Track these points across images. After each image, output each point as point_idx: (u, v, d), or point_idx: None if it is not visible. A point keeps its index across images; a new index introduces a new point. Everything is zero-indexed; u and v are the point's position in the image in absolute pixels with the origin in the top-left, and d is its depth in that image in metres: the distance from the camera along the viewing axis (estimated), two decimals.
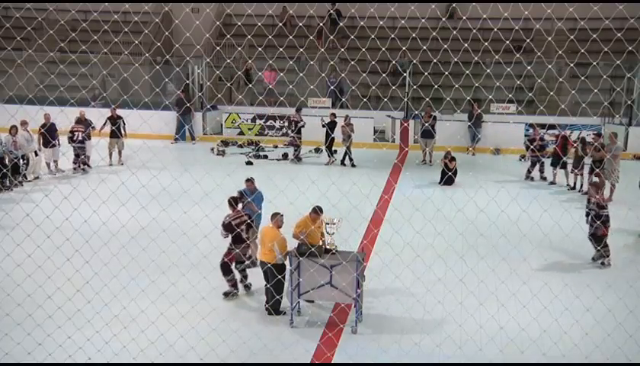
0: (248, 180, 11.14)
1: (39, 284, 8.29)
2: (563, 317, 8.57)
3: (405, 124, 22.95)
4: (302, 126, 20.31)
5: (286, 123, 23.12)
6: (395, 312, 9.32)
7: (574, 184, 16.87)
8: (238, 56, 22.93)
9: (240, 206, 10.68)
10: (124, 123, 19.03)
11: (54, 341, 7.84)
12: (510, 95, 19.84)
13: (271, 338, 8.48)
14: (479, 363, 8.11)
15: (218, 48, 23.53)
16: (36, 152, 17.19)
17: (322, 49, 21.00)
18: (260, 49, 15.55)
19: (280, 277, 9.11)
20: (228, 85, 22.43)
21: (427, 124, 19.47)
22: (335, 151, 19.95)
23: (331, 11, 25.12)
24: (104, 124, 19.03)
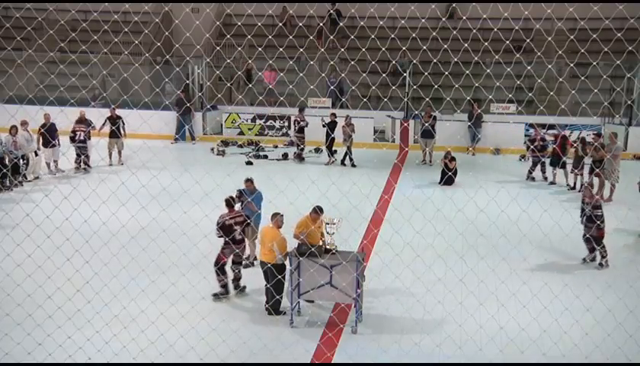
0: (247, 180, 11.14)
1: (39, 284, 8.29)
2: (563, 317, 8.57)
3: (405, 124, 22.95)
4: (305, 126, 20.31)
5: (288, 124, 23.18)
6: (395, 312, 9.32)
7: (574, 184, 16.87)
8: (238, 56, 22.92)
9: (239, 205, 10.70)
10: (123, 123, 19.04)
11: (54, 341, 7.84)
12: (510, 95, 19.84)
13: (271, 338, 8.48)
14: (479, 363, 8.12)
15: (218, 48, 23.52)
16: (36, 152, 17.20)
17: (322, 49, 21.00)
18: (260, 49, 15.54)
19: (280, 277, 9.11)
20: (228, 85, 22.43)
21: (427, 124, 19.47)
22: (335, 151, 19.95)
23: (331, 11, 25.12)
24: (104, 124, 19.03)
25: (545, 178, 17.84)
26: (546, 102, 15.31)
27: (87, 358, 7.79)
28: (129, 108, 17.87)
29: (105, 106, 19.55)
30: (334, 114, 19.85)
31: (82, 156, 18.03)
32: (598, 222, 10.98)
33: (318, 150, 21.38)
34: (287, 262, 9.18)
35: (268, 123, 24.24)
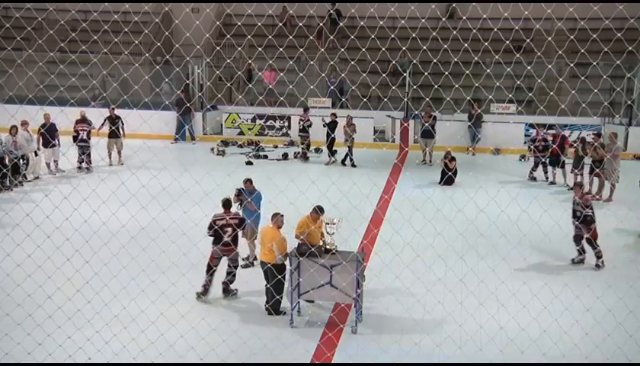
0: (246, 180, 11.13)
1: (39, 284, 8.29)
2: (563, 317, 8.57)
3: (405, 124, 22.95)
4: (309, 126, 20.33)
5: (288, 124, 23.23)
6: (395, 312, 9.32)
7: (574, 184, 16.85)
8: (238, 56, 22.92)
9: (238, 205, 10.70)
10: (123, 123, 19.04)
11: (54, 341, 7.84)
12: (510, 95, 19.85)
13: (271, 338, 8.48)
14: (479, 363, 8.11)
15: (218, 48, 23.51)
16: (36, 152, 17.20)
17: (322, 49, 21.00)
18: (260, 49, 15.55)
19: (280, 277, 9.11)
20: (228, 85, 22.43)
21: (427, 124, 19.47)
22: (335, 151, 19.95)
23: (331, 11, 25.12)
24: (103, 124, 19.03)
25: (547, 178, 17.84)
26: (546, 102, 15.31)
27: (87, 358, 7.79)
28: (129, 108, 17.88)
29: (105, 106, 19.55)
30: (334, 114, 19.86)
31: (85, 155, 18.06)
32: (593, 220, 10.92)
33: (318, 150, 21.39)
34: (287, 262, 9.18)
35: (268, 123, 24.23)
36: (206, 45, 22.26)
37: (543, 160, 17.75)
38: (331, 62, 21.43)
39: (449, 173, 17.04)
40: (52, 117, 16.59)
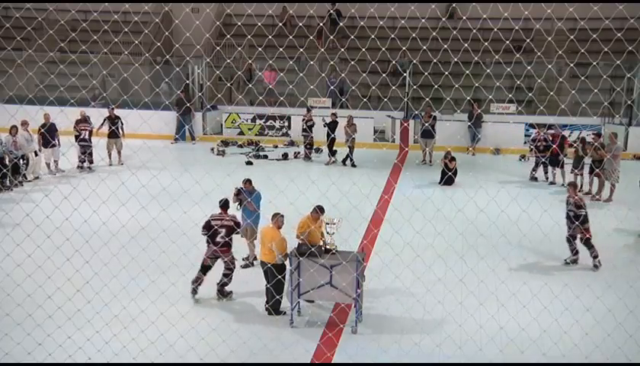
0: (245, 181, 11.13)
1: (39, 284, 8.28)
2: (563, 317, 8.57)
3: (405, 124, 22.95)
4: (311, 126, 20.35)
5: (288, 124, 23.19)
6: (395, 312, 9.32)
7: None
8: (238, 56, 22.92)
9: (237, 204, 10.70)
10: (122, 123, 19.04)
11: (54, 341, 7.84)
12: (510, 95, 19.84)
13: (271, 338, 8.48)
14: (479, 363, 8.11)
15: (218, 48, 23.51)
16: (36, 152, 17.21)
17: (322, 49, 20.99)
18: (260, 49, 15.54)
19: (280, 277, 9.11)
20: (228, 85, 22.43)
21: (427, 124, 19.48)
22: (336, 151, 19.96)
23: (331, 11, 25.11)
24: (102, 124, 19.04)
25: (547, 179, 17.84)
26: (546, 102, 15.30)
27: (87, 358, 7.79)
28: (129, 108, 17.88)
29: (105, 106, 19.57)
30: (334, 114, 19.87)
31: (87, 155, 18.08)
32: (583, 221, 10.89)
33: (318, 150, 21.39)
34: (287, 262, 9.18)
35: (268, 123, 24.24)
36: (206, 45, 22.26)
37: (544, 160, 17.76)
38: (331, 62, 21.44)
39: (449, 173, 17.03)
40: (52, 117, 16.60)
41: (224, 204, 9.80)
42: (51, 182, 16.22)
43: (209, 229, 9.54)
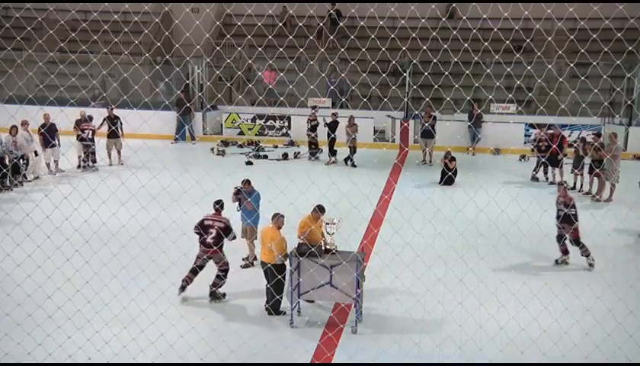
0: (244, 181, 11.13)
1: (39, 284, 8.29)
2: (563, 317, 8.57)
3: (405, 124, 22.94)
4: (316, 125, 20.34)
5: (288, 124, 23.29)
6: (395, 312, 9.32)
7: (574, 184, 16.86)
8: (238, 56, 22.91)
9: (237, 204, 10.69)
10: (121, 123, 19.04)
11: (54, 341, 7.84)
12: (510, 95, 19.81)
13: (271, 338, 8.49)
14: (479, 363, 8.12)
15: (218, 48, 23.51)
16: (36, 152, 17.21)
17: (322, 49, 20.95)
18: (260, 49, 15.53)
19: (280, 277, 9.11)
20: (228, 85, 22.42)
21: (427, 124, 19.47)
22: (336, 151, 19.95)
23: (331, 11, 25.11)
24: (102, 124, 19.05)
25: (547, 179, 17.85)
26: (546, 102, 15.30)
27: (87, 358, 7.79)
28: (129, 108, 17.87)
29: (105, 106, 19.57)
30: (335, 114, 19.86)
31: (89, 154, 18.09)
32: (576, 222, 10.89)
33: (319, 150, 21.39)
34: (287, 262, 9.18)
35: (268, 123, 24.24)
36: (206, 45, 22.26)
37: (544, 160, 17.75)
38: (331, 62, 21.43)
39: (449, 173, 17.03)
40: (52, 117, 16.60)
41: (220, 207, 9.80)
42: (51, 182, 16.22)
43: (201, 228, 9.52)
